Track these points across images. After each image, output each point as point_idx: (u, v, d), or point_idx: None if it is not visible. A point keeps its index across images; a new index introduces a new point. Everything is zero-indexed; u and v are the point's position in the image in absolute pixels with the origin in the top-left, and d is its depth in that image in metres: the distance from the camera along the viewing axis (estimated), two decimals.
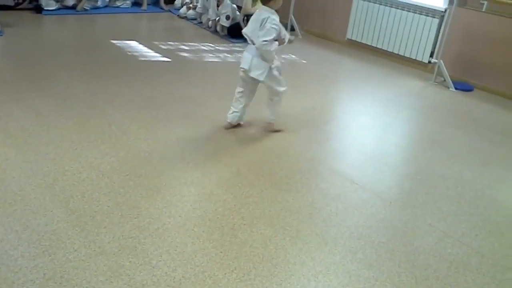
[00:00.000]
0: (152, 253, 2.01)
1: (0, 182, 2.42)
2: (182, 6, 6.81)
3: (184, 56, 4.94)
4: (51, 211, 2.23)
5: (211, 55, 5.12)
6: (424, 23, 5.04)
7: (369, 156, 3.14)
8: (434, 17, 4.96)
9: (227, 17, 5.81)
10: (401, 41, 5.30)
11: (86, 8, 6.41)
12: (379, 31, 5.50)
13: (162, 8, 7.06)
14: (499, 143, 3.55)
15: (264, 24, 2.97)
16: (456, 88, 4.70)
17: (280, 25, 3.04)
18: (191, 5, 6.65)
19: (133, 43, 5.18)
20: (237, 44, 5.60)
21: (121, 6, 6.88)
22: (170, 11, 6.98)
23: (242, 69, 3.12)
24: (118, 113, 3.38)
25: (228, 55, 5.15)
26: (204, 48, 5.34)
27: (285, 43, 3.13)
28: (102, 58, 4.60)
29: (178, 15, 6.73)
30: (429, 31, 5.02)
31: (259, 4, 3.11)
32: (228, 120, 3.28)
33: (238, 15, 5.92)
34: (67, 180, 2.50)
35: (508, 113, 4.24)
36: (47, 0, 6.14)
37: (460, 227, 2.43)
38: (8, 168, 2.56)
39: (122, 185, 2.49)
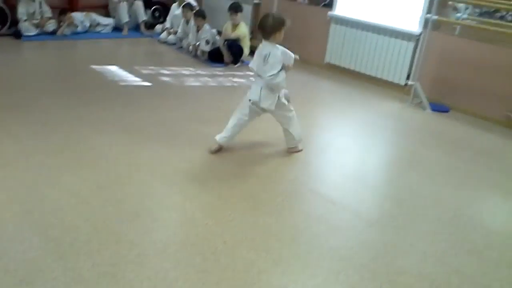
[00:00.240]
0: (132, 280, 1.99)
1: None
2: (162, 31, 6.86)
3: (165, 81, 4.96)
4: (29, 239, 2.19)
5: (192, 79, 5.15)
6: (400, 47, 5.17)
7: (350, 177, 3.17)
8: (409, 41, 5.09)
9: (207, 42, 5.87)
10: (378, 64, 5.42)
11: (66, 33, 6.41)
12: (357, 54, 5.62)
13: (142, 33, 7.10)
14: (476, 163, 3.62)
15: (267, 60, 3.04)
16: (432, 110, 4.80)
17: (284, 51, 3.07)
18: (171, 30, 6.70)
19: (114, 68, 5.19)
20: (217, 69, 5.65)
21: (101, 32, 6.89)
22: (151, 36, 7.02)
23: (252, 101, 3.16)
24: (98, 138, 3.36)
25: (209, 79, 5.19)
26: (184, 72, 5.38)
27: (292, 66, 3.15)
28: (82, 83, 4.59)
29: (158, 40, 6.77)
30: (405, 54, 5.15)
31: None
32: (221, 143, 3.28)
33: (218, 39, 5.98)
34: (45, 207, 2.46)
35: (484, 133, 4.34)
36: (26, 25, 6.12)
37: (440, 246, 2.46)
38: None
39: (101, 211, 2.47)
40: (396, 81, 5.28)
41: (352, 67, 5.70)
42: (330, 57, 5.91)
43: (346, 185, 3.06)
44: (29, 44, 5.92)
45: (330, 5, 5.95)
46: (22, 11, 6.08)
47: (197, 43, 5.98)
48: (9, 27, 6.17)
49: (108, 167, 2.95)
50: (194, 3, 6.70)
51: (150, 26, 7.32)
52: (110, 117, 3.77)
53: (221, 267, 2.12)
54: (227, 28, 5.87)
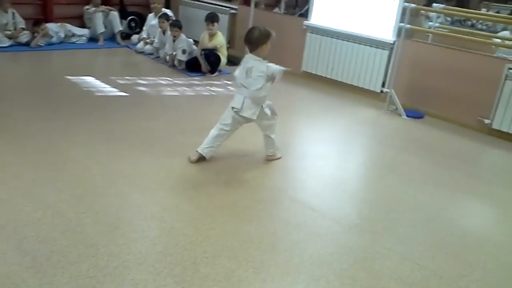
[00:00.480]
0: None
1: None
2: (139, 41, 6.83)
3: (142, 91, 4.93)
4: (4, 253, 2.14)
5: (169, 89, 5.13)
6: (375, 55, 5.26)
7: (328, 184, 3.20)
8: (384, 49, 5.19)
9: (184, 51, 5.87)
10: (354, 72, 5.50)
11: (41, 44, 6.32)
12: (333, 63, 5.69)
13: (119, 44, 7.05)
14: (450, 167, 3.69)
15: (250, 74, 3.05)
16: (407, 116, 4.89)
17: (268, 66, 3.08)
18: (148, 40, 6.68)
19: (90, 79, 5.13)
20: (195, 78, 5.64)
21: (76, 42, 6.82)
22: (127, 47, 6.98)
23: (234, 109, 3.15)
24: (74, 149, 3.32)
25: (187, 89, 5.18)
26: (162, 82, 5.36)
27: (277, 78, 3.15)
28: (57, 94, 4.53)
29: (135, 50, 6.73)
30: (380, 62, 5.24)
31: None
32: (203, 154, 3.25)
33: (195, 49, 5.99)
34: (20, 220, 2.41)
35: (457, 138, 4.43)
36: None
37: (417, 249, 2.50)
38: None
39: (78, 223, 2.43)
40: (371, 88, 5.36)
41: (328, 75, 5.76)
42: (307, 66, 5.97)
43: (324, 191, 3.09)
44: (1, 56, 5.82)
45: (305, 14, 6.03)
46: None
47: (174, 53, 5.97)
48: None
49: (84, 179, 2.91)
50: (170, 13, 6.70)
51: (126, 36, 7.28)
52: (86, 128, 3.73)
53: (201, 276, 2.11)
54: (204, 38, 5.88)
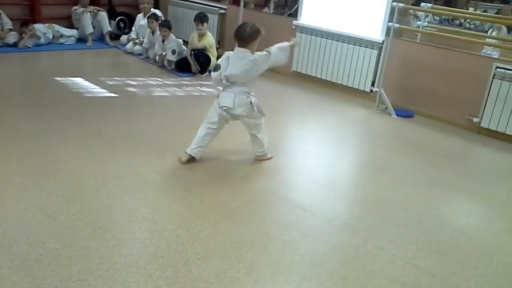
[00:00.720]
0: None
1: None
2: (128, 42, 6.79)
3: (132, 91, 4.91)
4: None
5: (159, 89, 5.11)
6: (364, 54, 5.28)
7: (319, 184, 3.20)
8: (373, 49, 5.21)
9: (173, 52, 5.85)
10: (343, 72, 5.52)
11: (28, 45, 6.26)
12: (323, 62, 5.70)
13: (107, 44, 7.00)
14: (440, 166, 3.72)
15: (241, 61, 3.10)
16: (397, 115, 4.92)
17: (261, 55, 3.16)
18: (137, 41, 6.64)
19: (78, 80, 5.09)
20: (184, 78, 5.63)
21: (65, 43, 6.76)
22: (116, 47, 6.94)
23: (225, 108, 3.15)
24: (64, 151, 3.29)
25: (177, 89, 5.17)
26: (151, 82, 5.33)
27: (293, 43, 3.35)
28: (45, 95, 4.49)
29: (124, 51, 6.69)
30: (369, 62, 5.26)
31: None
32: (192, 155, 3.25)
33: (184, 49, 5.97)
34: (10, 223, 2.38)
35: (447, 137, 4.47)
36: None
37: (409, 248, 2.51)
38: None
39: (69, 226, 2.41)
40: (361, 88, 5.38)
41: (318, 75, 5.78)
42: (297, 66, 5.98)
43: (315, 191, 3.09)
44: None
45: (295, 14, 6.04)
46: None
47: (164, 53, 5.95)
48: None
49: (74, 181, 2.88)
50: (159, 14, 6.67)
51: (115, 37, 7.23)
52: (76, 129, 3.70)
53: (193, 278, 2.10)
54: (193, 38, 5.86)
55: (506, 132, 4.37)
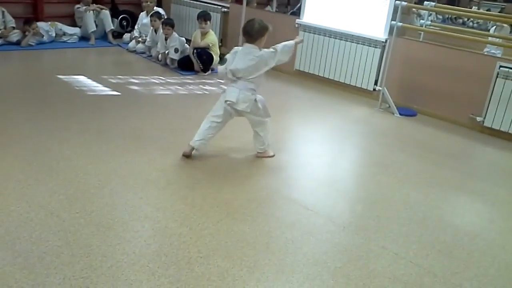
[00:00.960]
0: None
1: None
2: (131, 40, 6.79)
3: (134, 90, 4.91)
4: None
5: (161, 87, 5.11)
6: (367, 53, 5.27)
7: (321, 183, 3.20)
8: (376, 47, 5.20)
9: (176, 50, 5.85)
10: (346, 71, 5.51)
11: (31, 43, 6.26)
12: (325, 61, 5.69)
13: (110, 43, 7.01)
14: (443, 165, 3.71)
15: (247, 57, 3.14)
16: (400, 114, 4.91)
17: (269, 52, 3.19)
18: (140, 39, 6.64)
19: (81, 78, 5.10)
20: (187, 77, 5.63)
21: (68, 41, 6.77)
22: (119, 45, 6.94)
23: (228, 102, 3.18)
24: (67, 149, 3.29)
25: (179, 88, 5.17)
26: (154, 81, 5.33)
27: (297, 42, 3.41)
28: (48, 94, 4.50)
29: (127, 49, 6.70)
30: (372, 60, 5.25)
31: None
32: (194, 147, 3.27)
33: (187, 48, 5.97)
34: (13, 221, 2.39)
35: (450, 136, 4.46)
36: None
37: (411, 248, 2.51)
38: None
39: (72, 223, 2.41)
40: (364, 86, 5.37)
41: (321, 74, 5.77)
42: (299, 64, 5.97)
43: (318, 190, 3.09)
44: None
45: (298, 13, 6.03)
46: None
47: (166, 52, 5.95)
48: None
49: (77, 179, 2.89)
50: (162, 12, 6.67)
51: (118, 35, 7.23)
52: (79, 127, 3.70)
53: (196, 276, 2.10)
54: (196, 36, 5.86)
55: (510, 132, 4.36)
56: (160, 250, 2.27)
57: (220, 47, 6.14)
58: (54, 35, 6.62)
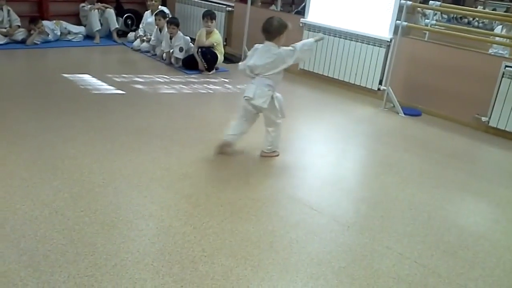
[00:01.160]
0: None
1: None
2: (135, 39, 6.80)
3: (139, 88, 4.91)
4: (1, 251, 2.13)
5: (166, 86, 5.11)
6: (372, 53, 5.26)
7: (326, 182, 3.20)
8: (381, 47, 5.18)
9: (181, 49, 5.85)
10: (351, 70, 5.50)
11: (37, 42, 6.28)
12: (330, 61, 5.68)
13: (115, 41, 7.02)
14: (448, 165, 3.70)
15: (267, 54, 3.18)
16: (405, 114, 4.89)
17: (287, 50, 3.24)
18: (144, 38, 6.65)
19: (86, 77, 5.11)
20: (192, 76, 5.63)
21: (73, 40, 6.79)
22: (124, 44, 6.95)
23: (246, 98, 3.23)
24: (71, 147, 3.30)
25: (184, 87, 5.17)
26: (159, 80, 5.34)
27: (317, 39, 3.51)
28: (53, 92, 4.51)
29: (131, 48, 6.71)
30: (377, 60, 5.23)
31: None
32: (227, 140, 3.34)
33: (191, 47, 5.97)
34: (18, 218, 2.40)
35: (454, 136, 4.44)
36: None
37: (416, 248, 2.50)
38: None
39: (76, 222, 2.42)
40: (369, 86, 5.36)
41: (325, 73, 5.76)
42: (304, 64, 5.96)
43: (322, 189, 3.09)
44: None
45: (302, 12, 6.02)
46: None
47: (171, 51, 5.95)
48: None
49: (82, 177, 2.90)
50: (166, 11, 6.68)
51: (122, 34, 7.24)
52: (83, 126, 3.71)
53: (200, 275, 2.11)
54: (201, 35, 5.85)
55: None
56: (164, 248, 2.28)
57: (224, 46, 6.14)
58: (59, 33, 6.64)
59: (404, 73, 5.11)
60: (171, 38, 5.92)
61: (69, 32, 6.79)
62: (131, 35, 7.09)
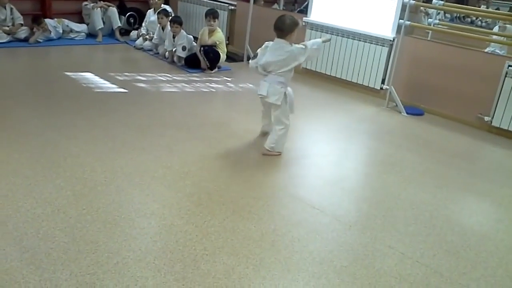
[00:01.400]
0: None
1: None
2: (138, 37, 6.80)
3: (141, 87, 4.92)
4: (4, 249, 2.14)
5: (168, 85, 5.12)
6: (375, 52, 5.24)
7: (328, 181, 3.19)
8: (383, 46, 5.17)
9: (184, 48, 5.85)
10: (353, 69, 5.49)
11: (39, 40, 6.29)
12: (333, 60, 5.68)
13: (117, 40, 7.03)
14: (450, 165, 3.69)
15: (278, 52, 3.26)
16: (407, 113, 4.88)
17: (298, 48, 3.33)
18: (147, 36, 6.66)
19: (88, 75, 5.12)
20: (194, 74, 5.63)
21: (75, 38, 6.80)
22: (126, 43, 6.96)
23: (260, 96, 3.35)
24: (74, 146, 3.30)
25: (186, 85, 5.17)
26: (161, 78, 5.34)
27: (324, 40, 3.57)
28: (56, 90, 4.51)
29: (134, 46, 6.71)
30: (379, 59, 5.22)
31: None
32: (265, 130, 3.72)
33: (194, 45, 5.97)
34: (20, 216, 2.40)
35: (457, 135, 4.43)
36: None
37: (418, 247, 2.50)
38: None
39: (79, 220, 2.42)
40: (371, 85, 5.35)
41: (328, 72, 5.75)
42: (306, 63, 5.94)
43: (324, 189, 3.08)
44: (0, 52, 5.79)
45: (305, 11, 6.01)
46: None
47: (174, 49, 5.95)
48: None
49: (84, 175, 2.90)
50: (169, 9, 6.68)
51: (125, 32, 7.25)
52: (86, 124, 3.72)
53: (202, 273, 2.11)
54: (203, 34, 5.85)
55: None
56: (166, 247, 2.28)
57: (227, 45, 6.14)
58: (61, 31, 6.64)
59: (406, 72, 5.10)
60: (174, 37, 5.92)
61: (72, 30, 6.80)
62: (133, 33, 7.10)
